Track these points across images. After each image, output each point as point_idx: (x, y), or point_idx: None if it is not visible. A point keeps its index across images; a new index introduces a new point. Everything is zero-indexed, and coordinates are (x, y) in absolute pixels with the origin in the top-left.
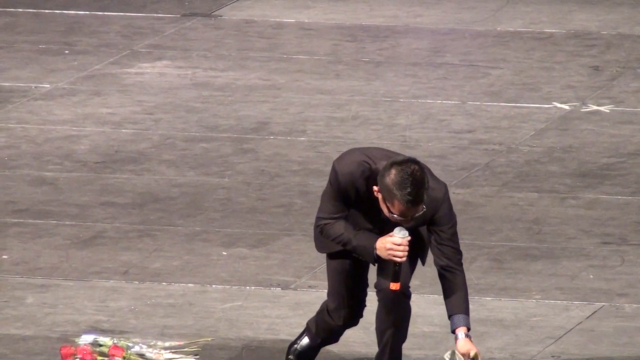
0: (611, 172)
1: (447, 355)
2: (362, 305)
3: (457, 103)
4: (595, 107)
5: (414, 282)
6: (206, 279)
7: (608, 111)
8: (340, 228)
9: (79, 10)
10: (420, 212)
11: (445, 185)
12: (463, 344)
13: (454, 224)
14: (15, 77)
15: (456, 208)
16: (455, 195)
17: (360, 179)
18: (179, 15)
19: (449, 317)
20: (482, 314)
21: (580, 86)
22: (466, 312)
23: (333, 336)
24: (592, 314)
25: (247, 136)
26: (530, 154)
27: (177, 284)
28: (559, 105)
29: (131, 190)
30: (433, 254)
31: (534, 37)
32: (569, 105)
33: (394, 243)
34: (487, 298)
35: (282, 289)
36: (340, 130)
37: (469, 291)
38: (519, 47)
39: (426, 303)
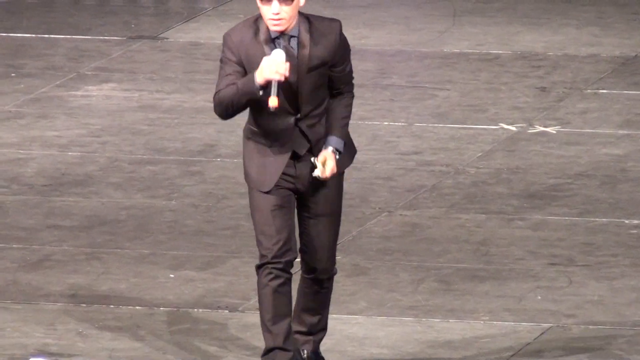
0: (558, 193)
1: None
2: (291, 236)
3: (404, 125)
4: (541, 129)
5: (360, 304)
6: (154, 301)
7: (555, 132)
8: (229, 88)
9: (25, 33)
10: None
11: (339, 22)
12: (326, 153)
13: (350, 63)
14: None
15: (403, 230)
16: (402, 217)
17: (248, 35)
18: (125, 38)
19: (327, 135)
20: (429, 336)
21: (526, 107)
22: (340, 135)
23: (279, 301)
24: (540, 335)
25: (194, 158)
26: (477, 176)
27: (125, 307)
28: (505, 126)
29: (78, 213)
30: (332, 86)
31: (480, 59)
32: (516, 127)
33: (268, 62)
34: (435, 320)
35: (229, 311)
36: None
37: (417, 313)
38: (465, 69)
39: (373, 325)
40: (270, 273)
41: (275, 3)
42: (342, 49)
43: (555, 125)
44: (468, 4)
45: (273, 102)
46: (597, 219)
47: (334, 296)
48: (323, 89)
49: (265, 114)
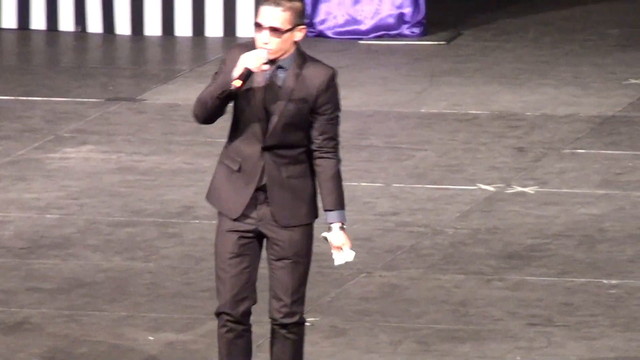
0: (536, 253)
1: (322, 235)
2: (246, 285)
3: (382, 185)
4: (519, 189)
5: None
6: None
7: (533, 192)
8: (210, 85)
9: (3, 96)
10: (283, 18)
11: (335, 71)
12: (336, 236)
13: (337, 116)
14: None
15: (382, 291)
16: (381, 278)
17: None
18: (103, 100)
19: (325, 211)
20: None
21: (504, 167)
22: (340, 206)
23: (234, 351)
24: None
25: (172, 220)
26: (455, 236)
27: None
28: (483, 186)
29: (57, 275)
30: (311, 136)
31: (458, 119)
32: (494, 187)
33: (247, 54)
34: None
35: None
36: None
37: None
38: (443, 129)
39: None
40: (225, 326)
41: (265, 32)
42: (329, 95)
43: (533, 186)
44: (445, 64)
45: (237, 82)
46: (575, 279)
47: (312, 357)
48: (298, 132)
49: (239, 133)
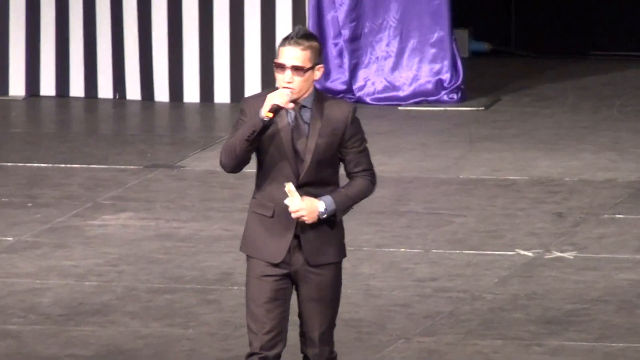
0: (575, 318)
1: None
2: (282, 328)
3: (421, 251)
4: (558, 254)
5: None
6: None
7: (572, 258)
8: (232, 137)
9: (42, 163)
10: (303, 57)
11: (355, 105)
12: (305, 200)
13: (366, 147)
14: None
15: (420, 356)
16: (420, 343)
17: (263, 103)
18: (141, 167)
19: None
20: None
21: (543, 233)
22: (335, 197)
23: None
24: None
25: (211, 287)
26: (494, 302)
27: None
28: (522, 252)
29: (95, 342)
30: (348, 169)
31: (497, 185)
32: (533, 252)
33: (273, 92)
34: None
35: None
36: None
37: None
38: (482, 195)
39: None
40: None
41: (288, 72)
42: (356, 127)
43: (572, 251)
44: (484, 130)
45: (269, 114)
46: (614, 344)
47: None
48: (328, 169)
49: (269, 179)
